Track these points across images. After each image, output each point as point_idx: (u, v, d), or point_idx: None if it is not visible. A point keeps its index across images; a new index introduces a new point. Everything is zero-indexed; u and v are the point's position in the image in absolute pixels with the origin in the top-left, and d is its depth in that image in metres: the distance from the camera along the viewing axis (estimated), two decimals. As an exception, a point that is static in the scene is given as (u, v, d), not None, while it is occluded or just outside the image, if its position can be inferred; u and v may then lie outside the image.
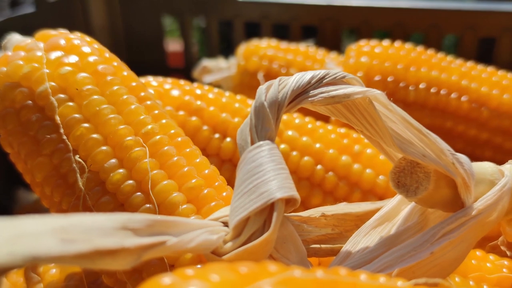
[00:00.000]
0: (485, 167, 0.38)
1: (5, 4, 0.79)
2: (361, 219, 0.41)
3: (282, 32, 0.87)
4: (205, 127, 0.49)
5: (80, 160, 0.36)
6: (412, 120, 0.35)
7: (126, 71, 0.42)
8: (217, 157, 0.49)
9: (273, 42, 0.75)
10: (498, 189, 0.37)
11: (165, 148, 0.38)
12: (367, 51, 0.59)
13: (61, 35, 0.42)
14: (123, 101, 0.39)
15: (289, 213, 0.37)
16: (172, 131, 0.40)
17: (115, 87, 0.40)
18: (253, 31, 0.89)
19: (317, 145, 0.49)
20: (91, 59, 0.41)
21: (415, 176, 0.36)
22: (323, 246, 0.36)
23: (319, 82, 0.35)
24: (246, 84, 0.72)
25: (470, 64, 0.59)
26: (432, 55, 0.59)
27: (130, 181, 0.36)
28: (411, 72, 0.57)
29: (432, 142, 0.35)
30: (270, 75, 0.71)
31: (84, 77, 0.39)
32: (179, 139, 0.40)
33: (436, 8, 0.78)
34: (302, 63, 0.70)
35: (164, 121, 0.40)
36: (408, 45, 0.60)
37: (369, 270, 0.33)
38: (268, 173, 0.32)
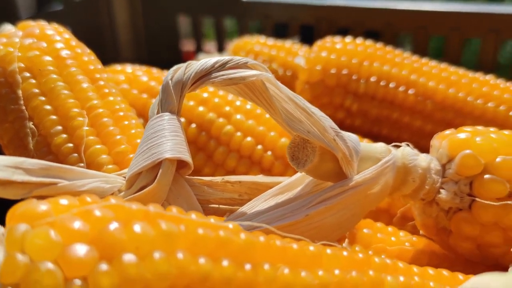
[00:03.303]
0: (375, 147, 0.43)
1: (33, 2, 0.90)
2: (280, 190, 0.46)
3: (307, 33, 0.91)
4: (163, 109, 0.56)
5: (32, 126, 0.45)
6: (298, 100, 0.41)
7: (87, 57, 0.51)
8: (172, 134, 0.56)
9: (262, 38, 0.81)
10: (379, 165, 0.42)
11: (103, 119, 0.45)
12: (329, 46, 0.64)
13: (37, 26, 0.51)
14: (76, 81, 0.47)
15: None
16: (117, 107, 0.48)
17: (72, 69, 0.48)
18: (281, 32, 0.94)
19: (260, 128, 0.55)
20: (57, 45, 0.49)
21: (305, 150, 0.42)
22: (221, 206, 0.43)
23: (222, 66, 0.41)
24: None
25: (424, 60, 0.63)
26: (388, 52, 0.63)
27: (70, 144, 0.44)
28: (364, 66, 0.61)
29: (316, 120, 0.40)
30: (254, 69, 0.77)
31: (47, 60, 0.48)
32: (121, 113, 0.47)
33: (424, 10, 0.81)
34: (284, 58, 0.76)
35: (111, 98, 0.48)
36: (369, 42, 0.65)
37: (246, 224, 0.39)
38: (162, 138, 0.38)
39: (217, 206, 0.42)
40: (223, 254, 0.28)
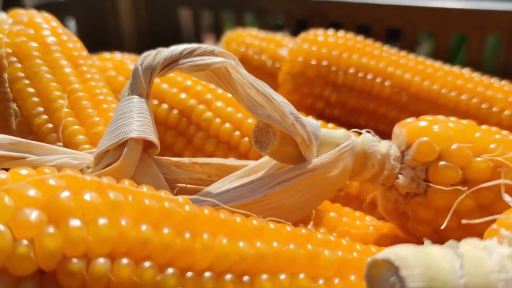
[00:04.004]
0: (336, 133, 0.45)
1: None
2: (246, 172, 0.48)
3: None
4: (147, 95, 0.59)
5: (16, 107, 0.48)
6: (260, 87, 0.43)
7: (72, 44, 0.53)
8: (154, 120, 0.59)
9: (254, 31, 0.83)
10: (337, 149, 0.44)
11: (83, 102, 0.48)
12: (311, 38, 0.66)
13: (26, 14, 0.54)
14: (59, 65, 0.50)
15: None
16: (97, 91, 0.50)
17: (56, 54, 0.51)
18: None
19: (239, 115, 0.57)
20: (43, 32, 0.52)
21: (267, 134, 0.44)
22: (189, 186, 0.45)
23: (190, 54, 0.44)
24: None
25: (403, 53, 0.65)
26: (368, 45, 0.65)
27: (50, 125, 0.47)
28: (344, 58, 0.63)
29: (276, 106, 0.42)
30: (244, 60, 0.80)
31: (33, 46, 0.51)
32: (101, 97, 0.50)
33: (409, 5, 0.82)
34: (274, 50, 0.78)
35: (92, 83, 0.51)
36: (350, 35, 0.66)
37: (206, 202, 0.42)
38: (129, 119, 0.41)
39: (184, 185, 0.45)
40: (165, 223, 0.30)
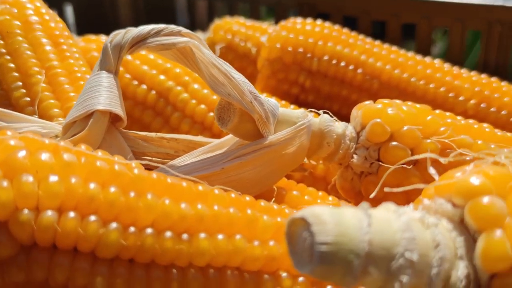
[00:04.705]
0: (294, 112, 0.48)
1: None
2: (211, 148, 0.51)
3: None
4: (127, 75, 0.62)
5: (-4, 81, 0.51)
6: (221, 66, 0.45)
7: (54, 24, 0.56)
8: (133, 100, 0.62)
9: (241, 19, 0.85)
10: (293, 127, 0.46)
11: (60, 78, 0.51)
12: (289, 26, 0.68)
13: (12, -7, 0.57)
14: (39, 43, 0.53)
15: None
16: (75, 68, 0.53)
17: (37, 33, 0.54)
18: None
19: (214, 97, 0.60)
20: (27, 12, 0.55)
21: (228, 112, 0.46)
22: (154, 158, 0.48)
23: (158, 33, 0.46)
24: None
25: (377, 43, 0.67)
26: (343, 33, 0.67)
27: (27, 98, 0.50)
28: (319, 45, 0.65)
29: (236, 84, 0.45)
30: (230, 47, 0.82)
31: (15, 24, 0.54)
32: (78, 74, 0.53)
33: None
34: (259, 38, 0.80)
35: (71, 61, 0.54)
36: (327, 24, 0.69)
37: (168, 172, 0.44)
38: (97, 93, 0.44)
39: (150, 158, 0.48)
40: (113, 183, 0.33)
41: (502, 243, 0.28)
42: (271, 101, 0.47)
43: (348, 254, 0.27)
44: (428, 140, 0.45)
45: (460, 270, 0.29)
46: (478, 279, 0.29)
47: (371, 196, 0.39)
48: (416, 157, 0.40)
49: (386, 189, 0.35)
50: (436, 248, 0.29)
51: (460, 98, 0.62)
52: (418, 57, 0.66)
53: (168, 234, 0.33)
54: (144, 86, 0.61)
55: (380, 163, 0.45)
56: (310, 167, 0.56)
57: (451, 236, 0.30)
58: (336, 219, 0.28)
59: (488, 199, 0.30)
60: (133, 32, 0.46)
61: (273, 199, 0.51)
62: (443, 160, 0.35)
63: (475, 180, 0.31)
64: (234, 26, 0.84)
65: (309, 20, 0.69)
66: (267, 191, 0.49)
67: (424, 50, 0.83)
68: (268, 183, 0.48)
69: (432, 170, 0.35)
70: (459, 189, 0.31)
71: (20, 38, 0.53)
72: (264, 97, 0.46)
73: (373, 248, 0.27)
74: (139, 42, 0.46)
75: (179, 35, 0.47)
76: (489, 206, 0.29)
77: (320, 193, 0.54)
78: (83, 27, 1.04)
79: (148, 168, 0.38)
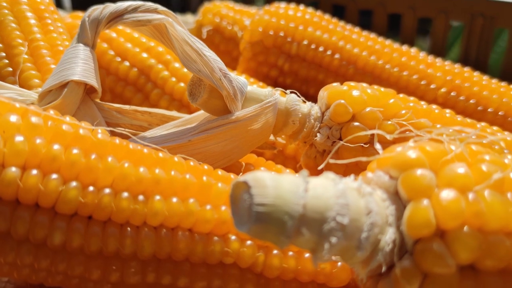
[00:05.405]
0: (262, 90, 0.50)
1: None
2: (182, 122, 0.53)
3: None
4: (111, 52, 0.64)
5: (-21, 51, 0.53)
6: (193, 43, 0.47)
7: (40, -1, 0.58)
8: (115, 75, 0.64)
9: (230, 3, 0.87)
10: (260, 105, 0.48)
11: (42, 51, 0.53)
12: (272, 11, 0.70)
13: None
14: (24, 16, 0.55)
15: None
16: (58, 42, 0.55)
17: (23, 6, 0.56)
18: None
19: (193, 76, 0.62)
20: (13, -14, 0.57)
21: (199, 88, 0.48)
22: (127, 130, 0.50)
23: (135, 10, 0.48)
24: (199, 37, 0.85)
25: (356, 30, 0.68)
26: (324, 19, 0.68)
27: (9, 68, 0.52)
28: (299, 30, 0.67)
29: (206, 61, 0.47)
30: (218, 30, 0.84)
31: (1, -2, 0.56)
32: (60, 48, 0.55)
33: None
34: (245, 22, 0.82)
35: (54, 35, 0.56)
36: (310, 9, 0.70)
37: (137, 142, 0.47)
38: (73, 64, 0.46)
39: (122, 129, 0.50)
40: (76, 145, 0.35)
41: (427, 211, 0.30)
42: (240, 79, 0.49)
43: (283, 216, 0.29)
44: (389, 122, 0.47)
45: (388, 235, 0.31)
46: (404, 244, 0.31)
47: (319, 168, 0.42)
48: (364, 132, 0.42)
49: (331, 160, 0.37)
50: (368, 215, 0.31)
51: (432, 86, 0.64)
52: (396, 45, 0.68)
53: (125, 194, 0.35)
54: (127, 63, 0.63)
55: (342, 141, 0.48)
56: (280, 146, 0.58)
57: (385, 205, 0.32)
58: (275, 184, 0.30)
59: (420, 171, 0.32)
60: (110, 7, 0.48)
61: (241, 173, 0.53)
62: (388, 136, 0.37)
63: (411, 154, 0.33)
64: (222, 10, 0.85)
65: (292, 5, 0.71)
66: (235, 166, 0.51)
67: (409, 40, 0.85)
68: (234, 157, 0.50)
69: (377, 146, 0.37)
70: (395, 162, 0.33)
71: (6, 11, 0.55)
72: (233, 75, 0.48)
73: (307, 211, 0.30)
74: (116, 18, 0.48)
75: (155, 13, 0.49)
76: (419, 178, 0.31)
77: (287, 170, 0.56)
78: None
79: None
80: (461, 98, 0.63)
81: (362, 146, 0.46)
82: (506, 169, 0.32)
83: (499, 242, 0.30)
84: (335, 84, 0.51)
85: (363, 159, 0.35)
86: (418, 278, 0.30)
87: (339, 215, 0.30)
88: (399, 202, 0.32)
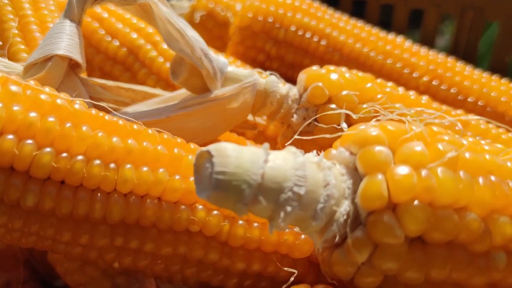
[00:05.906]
0: (242, 71, 0.51)
1: None
2: (164, 99, 0.54)
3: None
4: (101, 31, 0.65)
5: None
6: (176, 23, 0.49)
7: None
8: (105, 54, 0.65)
9: (225, -11, 0.88)
10: (239, 85, 0.50)
11: (31, 26, 0.55)
12: (262, -4, 0.71)
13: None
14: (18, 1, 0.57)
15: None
16: (48, 19, 0.57)
17: (17, -11, 0.57)
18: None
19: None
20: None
21: (181, 67, 0.50)
22: (111, 105, 0.51)
23: (121, -11, 0.50)
24: (192, 22, 0.87)
25: (344, 18, 0.70)
26: (313, 6, 0.70)
27: (-1, 43, 0.54)
28: (288, 16, 0.68)
29: (187, 41, 0.48)
30: (211, 15, 0.85)
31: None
32: (50, 25, 0.56)
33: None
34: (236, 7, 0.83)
35: (45, 12, 0.57)
36: (299, -4, 0.72)
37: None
38: (58, 39, 0.47)
39: (106, 104, 0.51)
40: (53, 114, 0.37)
41: (380, 184, 0.32)
42: (221, 59, 0.50)
43: (242, 184, 0.31)
44: (364, 105, 0.48)
45: (343, 207, 0.33)
46: (359, 217, 0.33)
47: (286, 144, 0.43)
48: (338, 111, 0.43)
49: (296, 136, 0.38)
50: (325, 187, 0.33)
51: (414, 75, 0.65)
52: (382, 33, 0.69)
53: (97, 162, 0.36)
54: (117, 42, 0.65)
55: (316, 123, 0.49)
56: (261, 127, 0.59)
57: (343, 179, 0.34)
58: (237, 154, 0.31)
59: (378, 148, 0.33)
60: (97, -15, 0.49)
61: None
62: (355, 115, 0.38)
63: (371, 131, 0.34)
64: (216, -5, 0.86)
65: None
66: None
67: (401, 31, 0.85)
68: (212, 134, 0.51)
69: (344, 125, 0.39)
70: (356, 139, 0.34)
71: (1, -8, 0.56)
72: (214, 54, 0.49)
73: (265, 181, 0.31)
74: (102, -4, 0.49)
75: (141, -8, 0.50)
76: (376, 154, 0.33)
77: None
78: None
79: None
80: (443, 87, 0.64)
81: (335, 127, 0.47)
82: (461, 148, 0.33)
83: (448, 216, 0.32)
84: (315, 67, 0.52)
85: (327, 136, 0.36)
86: (369, 248, 0.32)
87: (296, 185, 0.32)
88: (357, 177, 0.34)
